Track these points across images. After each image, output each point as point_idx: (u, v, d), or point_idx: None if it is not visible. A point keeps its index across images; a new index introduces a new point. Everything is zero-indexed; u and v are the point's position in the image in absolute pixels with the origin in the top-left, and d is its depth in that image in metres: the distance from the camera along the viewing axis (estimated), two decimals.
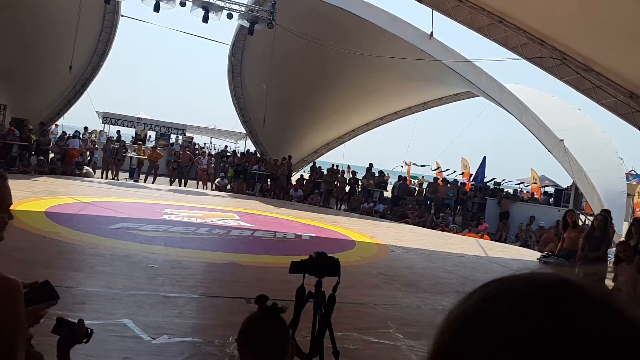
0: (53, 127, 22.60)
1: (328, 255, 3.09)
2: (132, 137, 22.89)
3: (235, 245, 8.81)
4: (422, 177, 24.75)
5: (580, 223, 12.44)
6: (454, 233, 15.80)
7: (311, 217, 13.81)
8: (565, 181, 20.19)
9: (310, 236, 10.46)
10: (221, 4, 16.00)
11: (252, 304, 5.85)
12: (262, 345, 1.72)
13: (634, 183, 22.85)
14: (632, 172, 23.30)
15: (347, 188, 19.83)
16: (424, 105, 23.09)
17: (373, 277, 7.57)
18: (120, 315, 4.72)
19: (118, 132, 21.04)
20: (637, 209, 18.34)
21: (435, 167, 25.74)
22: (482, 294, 0.50)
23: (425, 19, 14.63)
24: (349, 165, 21.63)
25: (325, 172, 20.35)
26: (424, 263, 9.32)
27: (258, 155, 22.20)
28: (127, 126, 22.98)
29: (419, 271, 8.49)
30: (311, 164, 23.02)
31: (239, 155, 22.13)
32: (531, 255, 11.64)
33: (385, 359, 4.51)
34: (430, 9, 13.09)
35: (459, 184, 20.20)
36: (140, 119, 23.21)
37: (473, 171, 23.84)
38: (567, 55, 10.34)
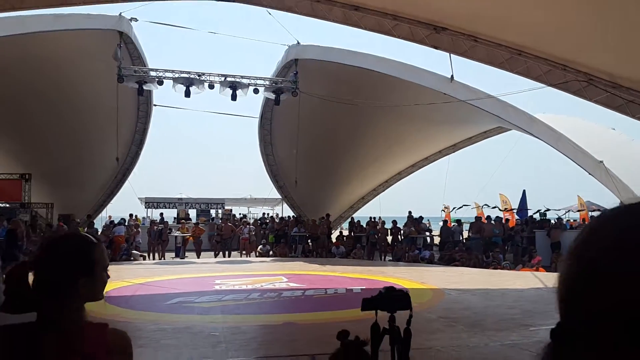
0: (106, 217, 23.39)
1: (397, 289, 3.12)
2: (175, 218, 23.55)
3: (289, 306, 8.80)
4: (458, 220, 24.33)
5: None
6: (508, 270, 15.32)
7: (358, 270, 13.69)
8: (611, 204, 19.54)
9: (362, 289, 10.34)
10: (247, 81, 16.85)
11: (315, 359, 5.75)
12: None
13: None
14: None
15: (390, 239, 19.66)
16: (454, 147, 23.12)
17: (433, 321, 7.38)
18: None
19: (161, 214, 21.71)
20: None
21: (474, 207, 25.33)
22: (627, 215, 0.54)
23: (445, 64, 14.97)
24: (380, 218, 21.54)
25: (365, 226, 20.32)
26: (484, 302, 9.04)
27: (296, 217, 22.41)
28: (169, 207, 23.70)
29: (480, 310, 8.24)
30: (349, 219, 23.04)
31: (277, 220, 22.41)
32: None
33: None
34: (448, 53, 13.47)
35: (503, 221, 19.77)
36: (181, 199, 23.96)
37: (514, 206, 23.37)
38: (592, 76, 10.36)
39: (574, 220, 22.19)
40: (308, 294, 9.68)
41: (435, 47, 12.95)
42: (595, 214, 17.39)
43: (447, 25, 12.10)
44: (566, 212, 23.94)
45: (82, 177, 19.47)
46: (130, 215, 20.89)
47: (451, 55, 13.71)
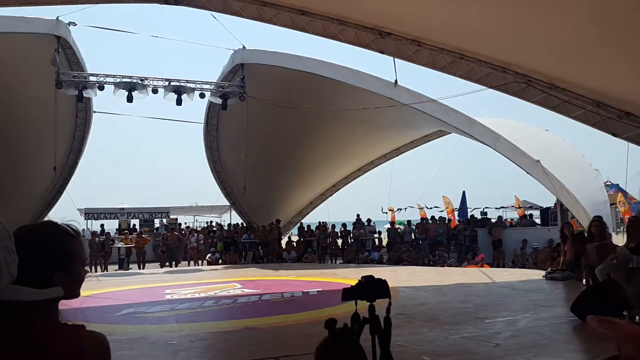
0: None
1: (376, 277, 3.15)
2: (117, 229, 22.64)
3: (246, 311, 8.65)
4: (409, 221, 24.95)
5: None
6: (454, 267, 15.83)
7: (311, 274, 13.70)
8: (545, 202, 20.69)
9: (318, 291, 10.37)
10: (192, 85, 16.50)
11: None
12: None
13: (612, 193, 23.58)
14: (608, 183, 24.05)
15: (340, 242, 19.82)
16: (398, 151, 23.66)
17: (392, 317, 7.48)
18: None
19: (102, 225, 20.80)
20: (625, 217, 18.81)
21: (418, 208, 26.05)
22: None
23: (389, 69, 15.31)
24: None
25: (315, 230, 20.39)
26: (437, 298, 9.30)
27: (245, 224, 22.13)
28: (110, 218, 22.79)
29: (435, 305, 8.46)
30: (298, 225, 23.03)
31: (226, 227, 22.05)
32: (536, 274, 11.71)
33: None
34: (392, 58, 13.79)
35: (446, 221, 20.44)
36: (122, 209, 23.08)
37: (456, 207, 24.22)
38: (531, 78, 10.94)
39: (511, 219, 23.25)
40: (265, 299, 9.58)
41: (381, 52, 13.24)
42: (532, 212, 18.22)
43: (392, 30, 12.42)
44: (504, 211, 25.08)
45: (19, 188, 18.33)
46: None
47: (395, 60, 14.08)
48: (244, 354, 5.88)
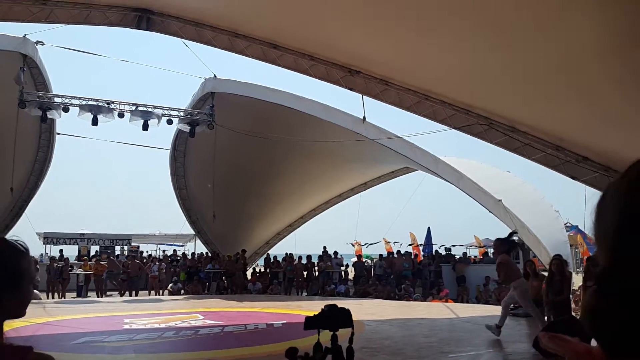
0: None
1: (339, 307, 3.18)
2: (76, 256, 21.91)
3: (208, 343, 8.45)
4: (380, 255, 25.02)
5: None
6: (419, 302, 15.92)
7: (276, 305, 13.53)
8: None
9: (282, 323, 10.24)
10: (160, 111, 16.41)
11: None
12: None
13: (572, 234, 24.34)
14: (568, 224, 24.85)
15: (305, 274, 19.70)
16: (365, 185, 23.96)
17: (356, 351, 7.44)
18: None
19: (61, 251, 20.09)
20: (584, 257, 19.37)
21: (385, 243, 26.24)
22: None
23: (358, 105, 15.65)
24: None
25: (281, 261, 20.24)
26: (402, 332, 9.32)
27: (210, 254, 21.77)
28: (70, 243, 22.04)
29: (400, 339, 8.48)
30: (265, 255, 22.81)
31: (189, 257, 21.62)
32: (498, 311, 11.87)
33: None
34: (361, 95, 14.15)
35: (412, 256, 20.63)
36: (83, 234, 22.38)
37: (421, 243, 24.53)
38: (492, 120, 11.40)
39: (474, 257, 23.65)
40: (227, 330, 9.39)
41: (350, 89, 13.57)
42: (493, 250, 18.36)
43: (361, 69, 12.80)
44: (467, 248, 25.53)
45: None
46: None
47: (364, 97, 14.45)
48: None
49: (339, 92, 13.55)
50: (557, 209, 16.77)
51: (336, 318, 3.15)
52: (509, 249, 8.52)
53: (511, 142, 11.63)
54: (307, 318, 3.13)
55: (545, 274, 11.38)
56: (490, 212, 15.43)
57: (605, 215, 0.70)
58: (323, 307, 3.21)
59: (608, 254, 0.67)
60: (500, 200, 15.00)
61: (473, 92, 11.24)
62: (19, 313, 1.31)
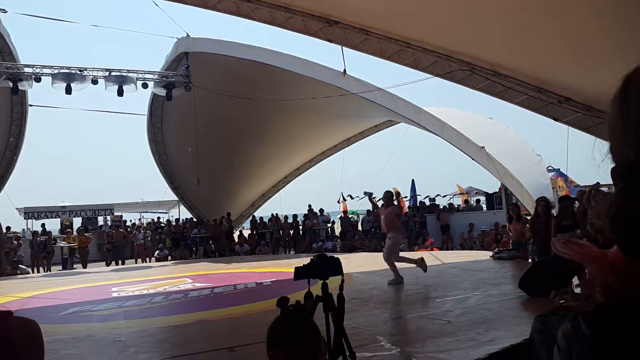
0: None
1: (328, 256, 3.10)
2: (59, 229, 21.62)
3: (198, 305, 8.44)
4: (368, 210, 25.13)
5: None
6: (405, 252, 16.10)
7: (264, 265, 13.58)
8: (491, 187, 21.41)
9: (272, 281, 10.26)
10: (134, 75, 15.92)
11: (235, 351, 5.57)
12: (296, 344, 1.65)
13: (553, 177, 24.68)
14: (550, 168, 25.18)
15: (292, 233, 19.78)
16: (348, 141, 23.82)
17: (346, 302, 7.49)
18: None
19: (43, 225, 19.78)
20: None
21: (366, 196, 26.34)
22: None
23: (337, 59, 15.31)
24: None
25: (268, 222, 20.25)
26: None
27: (195, 219, 21.66)
28: (52, 217, 21.68)
29: (388, 289, 8.55)
30: (250, 217, 22.78)
31: (174, 224, 21.49)
32: (483, 255, 12.09)
33: None
34: (341, 47, 13.80)
35: None
36: (64, 207, 22.02)
37: (406, 195, 24.66)
38: (475, 65, 11.23)
39: (458, 205, 23.93)
40: (217, 291, 9.38)
41: (329, 40, 13.21)
42: (478, 197, 18.68)
43: (339, 18, 12.42)
44: (451, 198, 25.79)
45: None
46: (7, 228, 18.78)
47: (343, 48, 14.10)
48: (198, 346, 5.71)
49: (317, 47, 13.25)
50: (539, 152, 16.92)
51: (325, 266, 3.08)
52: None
53: (493, 87, 11.52)
54: (297, 268, 3.06)
55: (529, 217, 11.54)
56: (473, 159, 15.48)
57: (633, 104, 0.58)
58: (312, 258, 3.13)
59: (636, 145, 0.57)
60: (483, 147, 15.03)
61: (455, 37, 11.00)
62: None
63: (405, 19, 11.04)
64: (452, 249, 16.67)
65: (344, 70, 15.77)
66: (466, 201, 22.15)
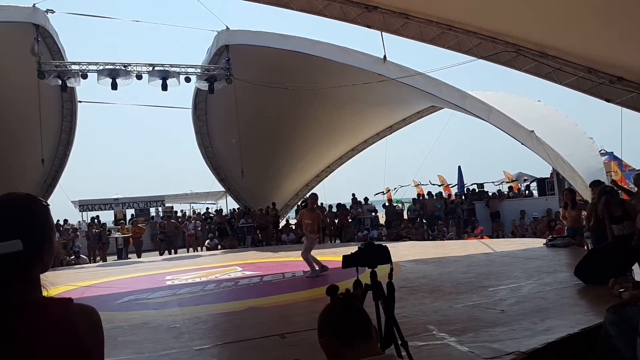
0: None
1: (376, 244, 3.08)
2: (113, 220, 22.55)
3: (248, 292, 8.61)
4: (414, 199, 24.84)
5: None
6: (454, 240, 15.86)
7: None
8: (541, 172, 20.71)
9: None
10: (177, 69, 16.24)
11: (286, 338, 5.63)
12: (347, 331, 1.65)
13: (606, 161, 23.60)
14: (602, 151, 24.07)
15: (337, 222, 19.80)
16: (391, 129, 23.53)
17: (396, 291, 7.46)
18: None
19: (97, 217, 20.67)
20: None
21: (414, 185, 26.07)
22: None
23: (376, 46, 15.12)
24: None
25: None
26: (438, 270, 9.28)
27: (242, 209, 22.06)
28: (105, 209, 22.64)
29: (437, 277, 8.44)
30: (295, 207, 22.97)
31: (223, 213, 21.99)
32: (536, 243, 11.74)
33: (441, 356, 4.40)
34: (380, 32, 13.57)
35: (443, 195, 20.44)
36: (117, 199, 22.91)
37: (451, 183, 24.24)
38: (521, 47, 10.81)
39: (507, 192, 23.31)
40: (266, 280, 9.54)
41: (368, 26, 13.00)
42: (526, 183, 18.15)
43: (378, 3, 12.20)
44: (499, 184, 25.12)
45: (10, 182, 18.11)
46: (65, 220, 19.74)
47: (383, 34, 13.86)
48: (249, 333, 5.83)
49: (355, 34, 13.09)
50: (590, 135, 16.18)
51: (374, 255, 3.06)
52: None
53: (541, 68, 11.06)
54: (345, 256, 3.05)
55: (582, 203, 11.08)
56: (522, 144, 14.98)
57: None
58: (359, 246, 3.11)
59: None
60: (532, 131, 14.51)
61: (499, 18, 10.61)
62: (49, 265, 1.29)
63: (447, 1, 10.74)
64: (503, 237, 16.26)
65: (384, 56, 15.52)
66: (518, 189, 21.50)
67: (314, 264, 9.55)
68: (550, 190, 18.44)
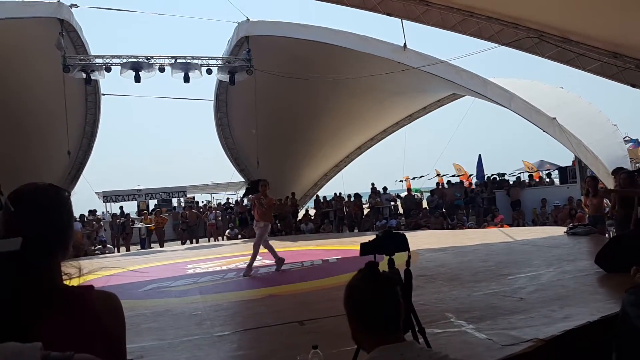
0: None
1: (394, 231, 3.12)
2: (136, 211, 22.98)
3: (268, 280, 8.74)
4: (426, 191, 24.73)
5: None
6: (474, 229, 15.75)
7: (330, 242, 13.77)
8: (563, 160, 20.39)
9: (337, 258, 10.41)
10: (199, 62, 16.39)
11: (305, 325, 5.68)
12: (378, 319, 1.56)
13: (631, 148, 23.08)
14: (627, 138, 23.54)
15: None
16: (410, 118, 23.36)
17: (413, 279, 7.48)
18: (184, 359, 4.64)
19: (121, 207, 21.09)
20: None
21: (435, 174, 25.90)
22: None
23: (397, 34, 15.02)
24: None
25: (331, 201, 20.44)
26: (457, 258, 9.27)
27: None
28: (128, 200, 23.08)
29: (456, 266, 8.44)
30: (314, 197, 23.06)
31: (241, 204, 22.21)
32: (557, 231, 11.60)
33: (459, 343, 4.43)
34: (400, 20, 13.48)
35: (463, 184, 20.29)
36: (140, 190, 23.32)
37: (470, 171, 24.01)
38: (543, 33, 10.63)
39: (528, 180, 23.00)
40: (285, 268, 9.65)
41: (388, 14, 12.94)
42: (547, 171, 17.90)
43: None
44: (520, 173, 24.80)
45: (36, 174, 18.56)
46: (90, 211, 20.19)
47: (403, 21, 13.74)
48: (269, 320, 5.94)
49: (374, 24, 13.01)
50: (614, 122, 15.84)
51: (391, 242, 3.10)
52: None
53: (564, 54, 10.87)
54: (363, 244, 3.09)
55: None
56: (544, 131, 14.76)
57: None
58: (377, 233, 3.15)
59: None
60: (554, 118, 14.28)
61: (521, 4, 10.44)
62: (69, 253, 1.33)
63: None
64: (524, 226, 16.10)
65: (404, 44, 15.40)
66: (540, 178, 21.23)
67: (273, 255, 9.51)
68: (572, 178, 18.17)
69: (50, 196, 1.32)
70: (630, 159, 18.17)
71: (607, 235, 9.30)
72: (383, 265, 3.26)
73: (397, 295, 1.62)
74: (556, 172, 21.06)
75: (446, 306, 5.80)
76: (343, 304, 1.65)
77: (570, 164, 18.85)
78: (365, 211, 20.06)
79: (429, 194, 20.54)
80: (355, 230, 19.04)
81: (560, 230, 11.45)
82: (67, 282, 1.28)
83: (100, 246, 17.17)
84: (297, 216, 20.38)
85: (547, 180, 20.62)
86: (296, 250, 13.02)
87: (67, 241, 1.30)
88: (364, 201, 20.94)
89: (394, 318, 1.58)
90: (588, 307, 4.96)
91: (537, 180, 21.26)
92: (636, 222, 6.96)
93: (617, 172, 8.18)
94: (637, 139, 24.57)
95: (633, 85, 11.22)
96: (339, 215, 19.48)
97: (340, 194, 21.04)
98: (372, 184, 20.52)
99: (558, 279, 6.49)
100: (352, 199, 20.17)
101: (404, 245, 3.11)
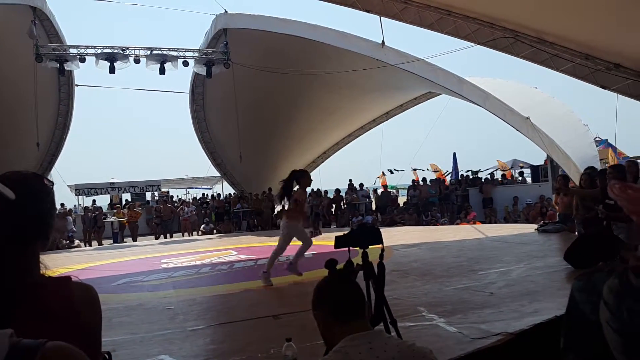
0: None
1: (368, 225, 3.15)
2: (108, 204, 22.57)
3: (243, 275, 8.71)
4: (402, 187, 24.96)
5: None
6: (447, 225, 15.97)
7: None
8: (536, 159, 20.81)
9: (313, 253, 10.37)
10: (175, 53, 16.17)
11: (280, 318, 5.70)
12: (343, 306, 1.68)
13: (601, 149, 23.69)
14: (597, 139, 24.13)
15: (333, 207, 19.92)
16: (387, 115, 23.53)
17: (387, 274, 7.54)
18: (156, 353, 4.59)
19: (93, 201, 20.70)
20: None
21: (413, 169, 26.15)
22: None
23: (375, 31, 15.08)
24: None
25: (308, 197, 20.42)
26: (430, 254, 9.39)
27: (238, 194, 22.12)
28: (101, 193, 22.65)
29: (429, 261, 8.55)
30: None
31: (218, 198, 22.05)
32: (528, 229, 11.86)
33: (430, 336, 4.49)
34: (379, 17, 13.52)
35: (439, 181, 20.53)
36: (113, 183, 22.93)
37: (444, 170, 24.29)
38: (518, 33, 10.80)
39: (501, 179, 23.39)
40: (261, 263, 9.60)
41: (367, 11, 12.94)
42: (520, 170, 18.23)
43: None
44: (494, 172, 25.21)
45: (9, 165, 18.13)
46: (62, 204, 19.76)
47: (382, 18, 13.79)
48: (243, 314, 5.92)
49: (353, 20, 13.04)
50: (586, 123, 16.25)
51: (366, 235, 3.13)
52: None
53: (538, 55, 11.07)
54: (337, 237, 3.11)
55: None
56: (518, 130, 15.04)
57: None
58: (352, 226, 3.18)
59: None
60: (528, 118, 14.57)
61: (498, 4, 10.58)
62: (48, 243, 1.32)
63: None
64: (496, 223, 16.39)
65: (382, 41, 15.48)
66: (511, 176, 21.63)
67: None
68: (544, 177, 18.57)
69: (34, 185, 1.29)
70: (600, 159, 18.68)
71: (576, 233, 9.54)
72: (357, 259, 3.30)
73: (355, 283, 1.79)
74: (528, 170, 21.48)
75: (418, 300, 5.88)
76: (312, 304, 1.76)
77: (542, 163, 19.25)
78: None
79: (405, 190, 20.74)
80: (332, 226, 19.09)
81: (531, 228, 11.70)
82: (44, 273, 1.27)
83: (68, 241, 16.82)
84: (274, 212, 20.33)
85: (520, 178, 21.00)
86: (272, 245, 12.93)
87: (47, 231, 1.28)
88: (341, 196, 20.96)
89: (359, 303, 1.72)
90: (556, 302, 5.08)
91: (510, 178, 21.65)
92: (585, 222, 7.17)
93: (588, 171, 8.40)
94: (607, 140, 25.23)
95: (603, 87, 11.50)
96: (315, 212, 19.49)
97: (317, 189, 21.06)
98: (350, 180, 20.62)
99: (528, 274, 6.64)
100: (329, 195, 20.23)
101: (378, 238, 3.14)
